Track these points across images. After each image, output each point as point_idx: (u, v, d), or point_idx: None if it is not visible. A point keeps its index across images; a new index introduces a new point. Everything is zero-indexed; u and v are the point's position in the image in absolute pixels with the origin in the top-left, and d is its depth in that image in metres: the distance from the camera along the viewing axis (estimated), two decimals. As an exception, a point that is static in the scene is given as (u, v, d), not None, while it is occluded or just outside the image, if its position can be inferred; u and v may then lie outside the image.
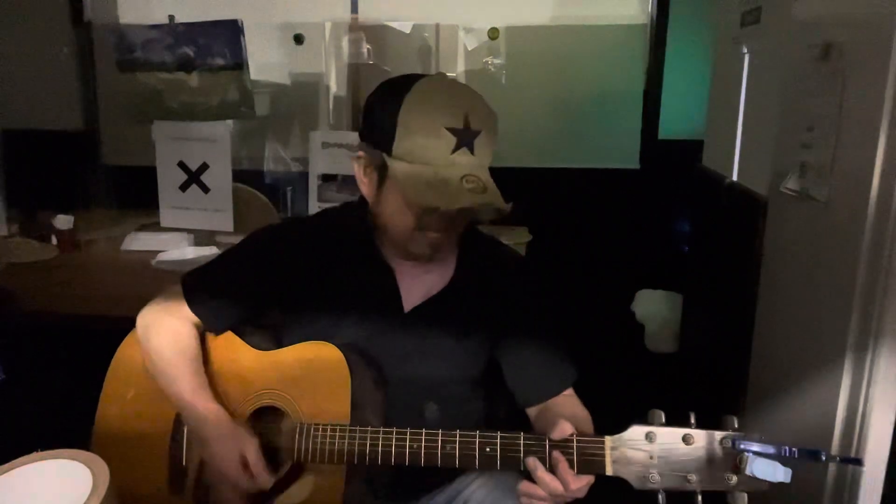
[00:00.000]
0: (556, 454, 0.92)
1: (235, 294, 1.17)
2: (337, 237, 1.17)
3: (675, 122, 3.15)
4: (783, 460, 0.85)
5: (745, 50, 2.03)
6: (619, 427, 0.92)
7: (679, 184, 2.83)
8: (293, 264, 1.15)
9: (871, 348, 1.25)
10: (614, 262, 3.16)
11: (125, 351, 1.20)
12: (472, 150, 1.01)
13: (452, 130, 1.00)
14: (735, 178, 2.09)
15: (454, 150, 1.00)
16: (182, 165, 2.19)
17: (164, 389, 1.12)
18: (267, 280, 1.16)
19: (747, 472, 0.85)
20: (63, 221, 2.18)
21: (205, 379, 1.12)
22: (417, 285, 1.14)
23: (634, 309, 3.11)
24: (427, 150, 1.00)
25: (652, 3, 3.10)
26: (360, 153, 1.09)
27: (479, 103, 1.04)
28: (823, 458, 0.85)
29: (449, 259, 1.17)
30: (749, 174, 1.99)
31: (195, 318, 1.16)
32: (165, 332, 1.14)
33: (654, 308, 3.05)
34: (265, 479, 1.03)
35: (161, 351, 1.13)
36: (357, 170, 1.10)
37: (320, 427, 1.02)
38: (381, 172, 1.06)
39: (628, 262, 3.17)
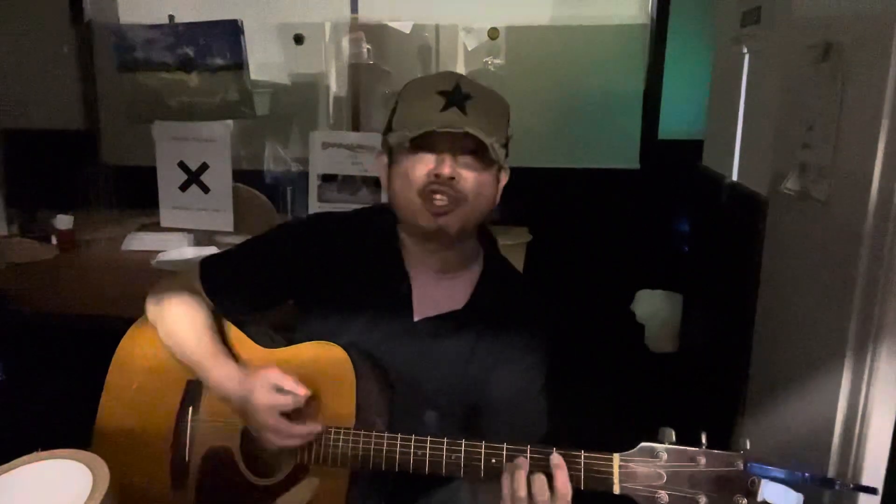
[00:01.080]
0: (559, 461, 0.90)
1: (252, 281, 1.17)
2: (361, 237, 1.17)
3: (675, 122, 3.15)
4: (796, 486, 0.83)
5: (745, 50, 2.03)
6: (620, 428, 0.92)
7: (679, 184, 2.83)
8: (314, 258, 1.15)
9: (871, 348, 1.25)
10: (614, 262, 3.16)
11: (127, 346, 1.19)
12: (463, 110, 1.02)
13: (442, 93, 1.03)
14: (735, 178, 2.09)
15: (443, 109, 1.02)
16: (182, 165, 2.19)
17: (181, 359, 1.12)
18: (285, 271, 1.16)
19: (759, 496, 0.84)
20: (63, 221, 2.17)
21: (221, 344, 1.11)
22: (432, 298, 1.14)
23: (634, 309, 3.11)
24: (418, 113, 1.03)
25: (652, 3, 3.10)
26: (379, 150, 1.14)
27: (479, 84, 1.07)
28: (837, 487, 0.84)
29: (469, 279, 1.16)
30: (749, 174, 1.99)
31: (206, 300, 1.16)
32: (179, 302, 1.14)
33: (654, 308, 3.04)
34: (302, 393, 1.00)
35: (176, 320, 1.13)
36: (378, 166, 1.14)
37: (324, 429, 1.01)
38: (389, 153, 1.10)
39: (628, 262, 3.17)
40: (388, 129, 1.09)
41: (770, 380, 1.70)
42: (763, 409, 1.71)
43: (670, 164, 2.95)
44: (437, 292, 1.14)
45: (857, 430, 1.29)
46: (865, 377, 1.27)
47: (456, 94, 1.03)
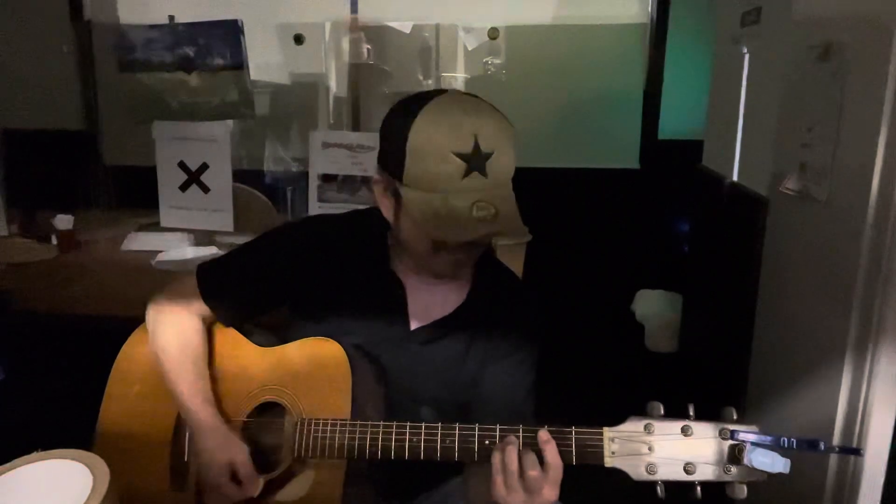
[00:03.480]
0: (546, 437, 0.91)
1: (250, 288, 1.17)
2: (356, 242, 1.16)
3: (675, 122, 3.15)
4: (782, 451, 0.85)
5: (745, 50, 2.03)
6: (618, 422, 0.93)
7: (679, 184, 2.83)
8: (308, 263, 1.15)
9: (871, 348, 1.25)
10: (614, 262, 3.16)
11: (129, 349, 1.20)
12: (484, 173, 0.97)
13: (461, 155, 0.96)
14: (735, 178, 2.09)
15: (465, 176, 0.96)
16: (182, 165, 2.19)
17: (167, 387, 1.12)
18: (282, 276, 1.15)
19: (746, 462, 0.85)
20: (63, 221, 2.17)
21: (206, 381, 1.12)
22: (426, 305, 1.13)
23: (634, 309, 3.11)
24: (437, 178, 0.96)
25: (652, 3, 3.10)
26: (377, 177, 1.07)
27: (490, 121, 0.99)
28: (822, 448, 0.85)
29: (462, 283, 1.15)
30: (749, 174, 1.99)
31: (204, 311, 1.16)
32: (172, 328, 1.14)
33: (654, 308, 3.05)
34: (253, 489, 1.04)
35: (167, 348, 1.13)
36: (376, 193, 1.08)
37: (320, 422, 1.02)
38: (397, 198, 1.03)
39: (628, 262, 3.17)
40: (397, 171, 1.00)
41: (770, 380, 1.70)
42: (763, 409, 1.71)
43: (670, 164, 2.95)
44: (431, 299, 1.14)
45: (857, 431, 1.30)
46: (865, 377, 1.27)
47: (476, 155, 0.97)
